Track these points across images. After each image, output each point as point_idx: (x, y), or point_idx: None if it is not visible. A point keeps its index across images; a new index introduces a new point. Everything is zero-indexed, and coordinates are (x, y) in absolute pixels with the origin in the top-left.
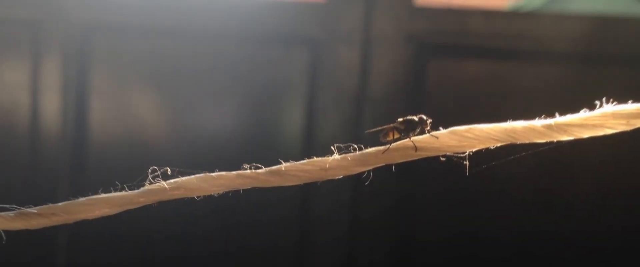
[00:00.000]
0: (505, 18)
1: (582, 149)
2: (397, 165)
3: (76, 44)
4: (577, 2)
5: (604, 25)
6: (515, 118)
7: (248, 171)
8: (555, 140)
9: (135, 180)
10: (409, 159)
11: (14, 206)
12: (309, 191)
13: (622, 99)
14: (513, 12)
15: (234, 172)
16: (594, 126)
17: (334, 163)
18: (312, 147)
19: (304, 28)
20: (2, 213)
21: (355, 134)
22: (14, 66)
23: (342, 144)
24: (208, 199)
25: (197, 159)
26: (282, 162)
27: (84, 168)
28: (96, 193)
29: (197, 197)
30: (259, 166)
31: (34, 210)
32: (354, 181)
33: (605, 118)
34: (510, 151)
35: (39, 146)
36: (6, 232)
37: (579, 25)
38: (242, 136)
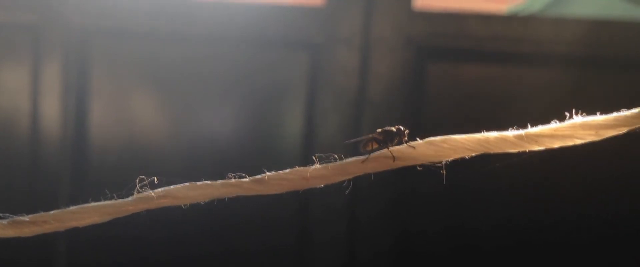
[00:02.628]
0: (504, 22)
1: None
2: None
3: (76, 48)
4: (576, 6)
5: (602, 29)
6: (513, 122)
7: (232, 179)
8: (527, 150)
9: (133, 185)
10: (388, 168)
11: (7, 214)
12: (308, 190)
13: (621, 103)
14: (511, 16)
15: (220, 181)
16: (564, 137)
17: (315, 172)
18: (311, 150)
19: (304, 31)
20: None
21: (355, 137)
22: (14, 71)
23: (339, 148)
24: None
25: (197, 162)
26: (282, 165)
27: (84, 172)
28: (96, 197)
29: (184, 205)
30: (244, 175)
31: (26, 218)
32: (353, 180)
33: (574, 129)
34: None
35: (39, 150)
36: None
37: (578, 29)
38: (242, 139)
